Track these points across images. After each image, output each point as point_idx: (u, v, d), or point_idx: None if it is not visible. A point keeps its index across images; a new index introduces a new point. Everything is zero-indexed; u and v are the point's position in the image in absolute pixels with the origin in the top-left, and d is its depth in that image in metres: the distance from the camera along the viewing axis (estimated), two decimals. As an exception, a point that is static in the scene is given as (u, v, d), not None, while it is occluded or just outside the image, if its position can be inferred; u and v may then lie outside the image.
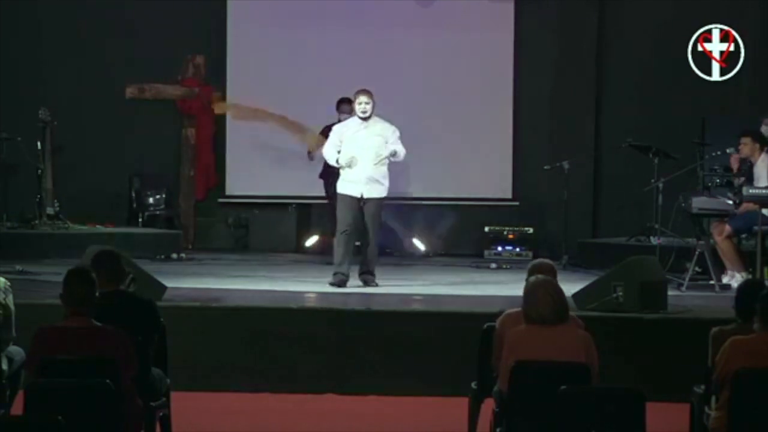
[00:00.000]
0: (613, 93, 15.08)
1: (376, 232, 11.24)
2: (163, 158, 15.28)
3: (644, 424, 5.99)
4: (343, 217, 11.16)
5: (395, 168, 13.03)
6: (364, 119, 11.10)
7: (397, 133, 11.20)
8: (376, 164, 11.06)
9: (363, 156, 11.05)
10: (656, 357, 9.30)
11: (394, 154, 11.08)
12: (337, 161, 11.14)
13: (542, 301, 6.33)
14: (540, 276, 6.55)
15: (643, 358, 9.28)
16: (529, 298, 6.39)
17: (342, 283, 11.11)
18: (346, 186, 11.12)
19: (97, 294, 6.45)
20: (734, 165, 12.29)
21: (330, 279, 11.18)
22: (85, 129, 14.86)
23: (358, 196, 11.07)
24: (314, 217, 14.81)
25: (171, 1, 14.95)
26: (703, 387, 6.92)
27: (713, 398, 6.53)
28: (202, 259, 13.94)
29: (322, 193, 13.40)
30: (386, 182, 11.18)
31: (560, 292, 6.43)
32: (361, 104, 11.10)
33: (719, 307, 9.66)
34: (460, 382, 8.07)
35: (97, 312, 6.47)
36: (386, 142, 11.10)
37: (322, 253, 13.52)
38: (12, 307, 7.51)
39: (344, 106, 13.17)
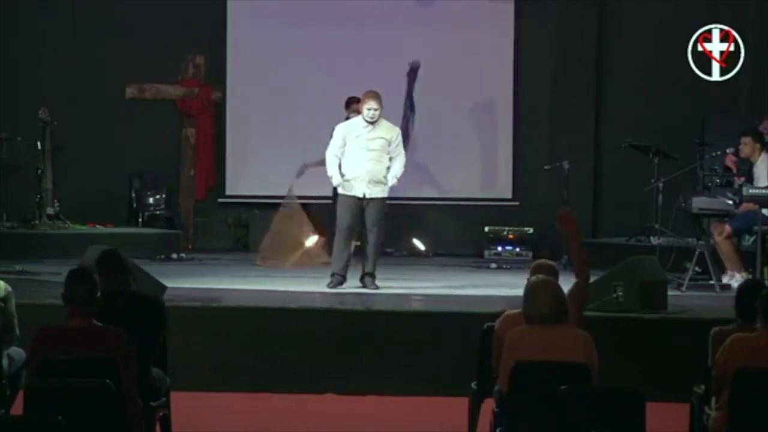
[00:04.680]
0: (613, 93, 15.09)
1: (378, 234, 11.15)
2: (163, 158, 15.28)
3: (644, 424, 5.99)
4: (342, 218, 11.13)
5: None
6: (370, 123, 11.08)
7: (400, 136, 11.22)
8: (376, 165, 11.05)
9: (364, 157, 11.01)
10: (656, 357, 9.31)
11: (396, 176, 11.10)
12: (331, 177, 11.09)
13: (542, 301, 6.33)
14: (541, 276, 6.56)
15: (643, 358, 9.28)
16: (530, 297, 6.39)
17: (339, 284, 11.11)
18: (347, 186, 11.08)
19: (98, 294, 6.45)
20: (730, 165, 12.31)
21: (327, 281, 11.15)
22: (85, 129, 14.87)
23: (360, 196, 11.04)
24: (314, 217, 14.78)
25: (171, 1, 14.96)
26: (703, 387, 6.92)
27: (713, 398, 6.53)
28: (202, 259, 13.95)
29: (322, 193, 13.36)
30: (386, 180, 11.13)
31: (561, 292, 6.43)
32: (371, 110, 10.96)
33: (719, 307, 9.66)
34: (460, 382, 8.07)
35: (103, 311, 6.48)
36: (389, 144, 11.07)
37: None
38: (13, 311, 7.53)
39: (354, 105, 13.16)
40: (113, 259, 7.01)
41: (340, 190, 11.17)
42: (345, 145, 11.07)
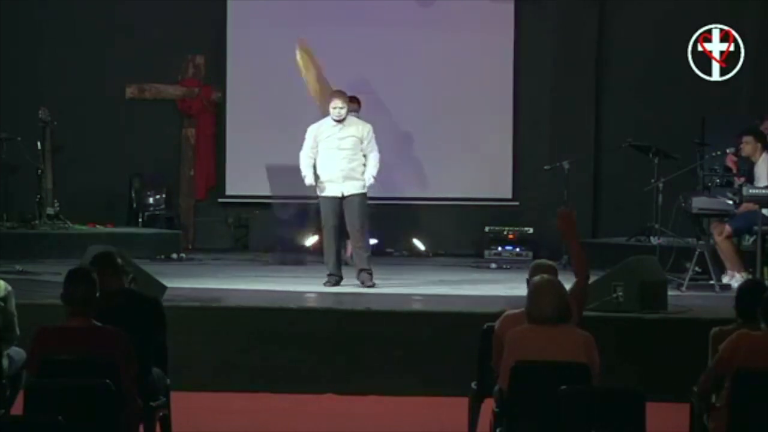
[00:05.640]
0: (613, 93, 15.08)
1: (362, 232, 11.26)
2: (163, 158, 15.28)
3: (644, 424, 5.99)
4: (326, 219, 11.26)
5: (396, 167, 13.08)
6: (339, 122, 11.13)
7: (372, 133, 11.27)
8: (350, 163, 11.11)
9: (337, 156, 11.12)
10: (656, 357, 9.31)
11: (372, 176, 11.20)
12: (304, 177, 11.22)
13: (546, 301, 6.33)
14: (545, 276, 6.55)
15: (643, 358, 9.28)
16: (533, 297, 6.39)
17: (336, 284, 11.24)
18: (324, 187, 11.20)
19: (98, 294, 6.45)
20: (730, 165, 12.30)
21: (324, 280, 11.26)
22: (85, 129, 14.86)
23: (338, 195, 11.15)
24: (314, 217, 14.78)
25: (171, 1, 14.95)
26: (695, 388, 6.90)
27: (713, 396, 6.52)
28: (202, 259, 13.95)
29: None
30: (363, 178, 11.22)
31: (564, 292, 6.44)
32: (336, 108, 11.13)
33: (719, 307, 9.65)
34: (460, 382, 8.07)
35: (102, 311, 6.48)
36: (361, 142, 11.17)
37: (323, 252, 13.51)
38: (13, 310, 7.53)
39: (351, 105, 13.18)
40: (106, 260, 7.01)
41: (318, 192, 11.29)
42: (317, 145, 11.18)
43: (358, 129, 11.22)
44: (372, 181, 11.23)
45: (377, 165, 11.22)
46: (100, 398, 6.01)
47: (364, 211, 11.27)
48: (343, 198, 11.15)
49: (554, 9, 15.06)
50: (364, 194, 11.25)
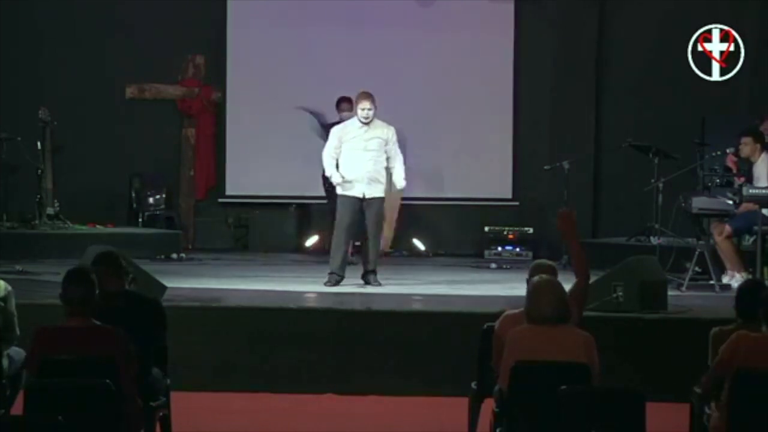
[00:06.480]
0: (613, 93, 15.08)
1: (378, 232, 11.34)
2: (163, 158, 15.28)
3: (644, 424, 5.99)
4: (342, 217, 11.24)
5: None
6: (366, 123, 11.14)
7: (395, 135, 11.32)
8: (375, 165, 11.12)
9: (363, 158, 11.14)
10: (656, 357, 9.31)
11: (403, 178, 11.34)
12: (331, 176, 11.28)
13: (546, 302, 6.33)
14: (545, 276, 6.55)
15: (643, 358, 9.28)
16: (533, 297, 6.39)
17: (336, 284, 11.22)
18: (348, 186, 11.18)
19: (97, 293, 6.45)
20: (730, 165, 12.30)
21: (325, 279, 11.25)
22: (85, 129, 14.86)
23: (360, 196, 11.15)
24: (314, 217, 14.81)
25: (171, 1, 14.95)
26: (698, 390, 6.90)
27: (715, 396, 6.53)
28: (202, 259, 13.94)
29: (322, 193, 13.39)
30: (385, 182, 11.31)
31: (564, 293, 6.44)
32: (365, 110, 11.13)
33: (719, 307, 9.66)
34: (460, 382, 8.08)
35: (103, 311, 6.47)
36: (386, 144, 11.18)
37: (323, 252, 13.52)
38: (13, 310, 7.54)
39: (344, 105, 13.21)
40: (109, 260, 7.01)
41: (339, 191, 11.28)
42: (341, 146, 11.19)
43: (383, 131, 11.24)
44: (404, 183, 11.31)
45: (403, 166, 11.32)
46: (100, 398, 6.01)
47: (382, 215, 11.40)
48: (363, 200, 11.16)
49: (554, 9, 15.07)
50: (383, 198, 11.29)
